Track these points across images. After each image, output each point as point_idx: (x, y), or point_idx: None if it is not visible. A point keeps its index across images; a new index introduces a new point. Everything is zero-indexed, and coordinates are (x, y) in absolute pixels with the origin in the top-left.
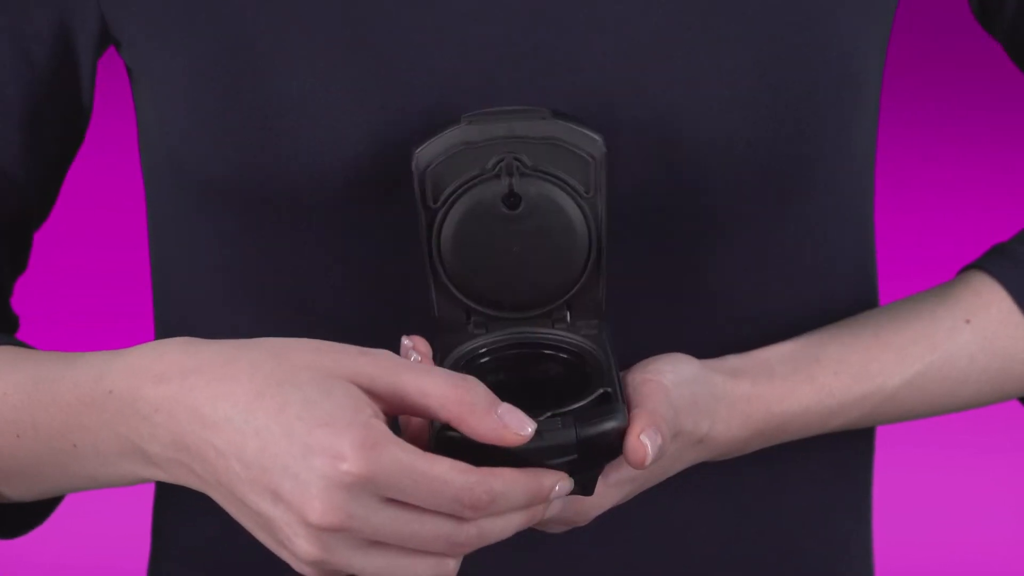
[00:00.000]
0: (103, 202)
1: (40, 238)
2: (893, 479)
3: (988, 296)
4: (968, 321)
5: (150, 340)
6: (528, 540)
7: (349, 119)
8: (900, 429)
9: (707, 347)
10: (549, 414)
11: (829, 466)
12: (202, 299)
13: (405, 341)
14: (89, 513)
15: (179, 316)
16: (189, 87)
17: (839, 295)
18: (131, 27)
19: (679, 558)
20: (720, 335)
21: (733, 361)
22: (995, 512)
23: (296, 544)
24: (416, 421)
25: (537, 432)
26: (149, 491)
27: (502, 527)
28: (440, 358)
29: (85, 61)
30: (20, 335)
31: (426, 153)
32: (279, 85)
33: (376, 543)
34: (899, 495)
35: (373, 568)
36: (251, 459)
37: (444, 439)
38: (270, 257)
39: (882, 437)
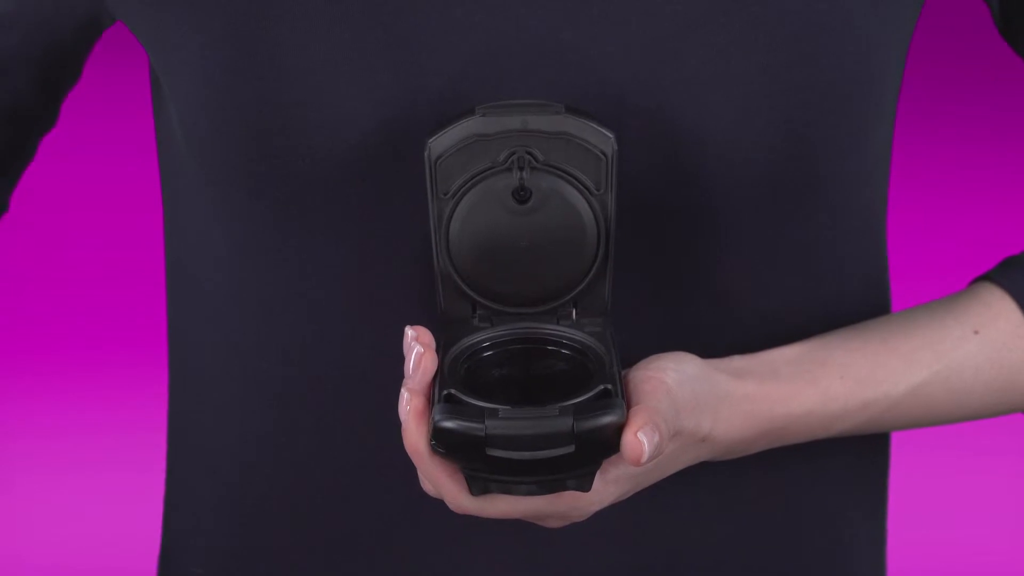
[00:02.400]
0: (116, 203)
1: (48, 238)
2: (907, 483)
3: (998, 308)
4: (976, 332)
5: (159, 338)
6: (525, 533)
7: (358, 97)
8: (915, 433)
9: (713, 347)
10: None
11: (840, 468)
12: (212, 283)
13: (409, 331)
14: (95, 516)
15: (189, 304)
16: (198, 57)
17: (849, 300)
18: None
19: (685, 557)
20: (726, 336)
21: (738, 361)
22: (1009, 516)
23: None
24: (418, 404)
25: (536, 423)
26: (157, 492)
27: None
28: (443, 350)
29: (75, 46)
30: (33, 334)
31: (439, 144)
32: (288, 58)
33: None
34: (913, 499)
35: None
36: None
37: (442, 431)
38: (276, 238)
39: (897, 441)
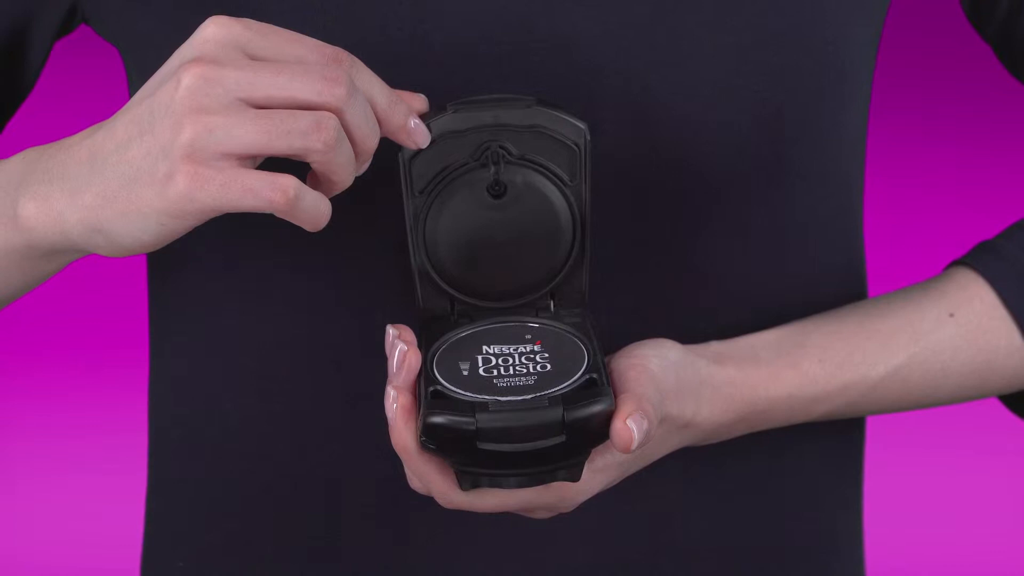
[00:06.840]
0: None
1: None
2: (889, 479)
3: (973, 291)
4: (952, 315)
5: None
6: (512, 526)
7: None
8: (897, 430)
9: (691, 333)
10: (537, 395)
11: (817, 455)
12: (193, 278)
13: (391, 330)
14: (96, 516)
15: (170, 299)
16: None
17: (826, 284)
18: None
19: (665, 546)
20: (705, 321)
21: (717, 346)
22: (989, 512)
23: (168, 118)
24: (405, 402)
25: (526, 415)
26: (141, 488)
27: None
28: (425, 347)
29: (40, 42)
30: (33, 334)
31: None
32: None
33: (251, 108)
34: (895, 494)
35: (251, 131)
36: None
37: (433, 427)
38: (253, 241)
39: (880, 437)
